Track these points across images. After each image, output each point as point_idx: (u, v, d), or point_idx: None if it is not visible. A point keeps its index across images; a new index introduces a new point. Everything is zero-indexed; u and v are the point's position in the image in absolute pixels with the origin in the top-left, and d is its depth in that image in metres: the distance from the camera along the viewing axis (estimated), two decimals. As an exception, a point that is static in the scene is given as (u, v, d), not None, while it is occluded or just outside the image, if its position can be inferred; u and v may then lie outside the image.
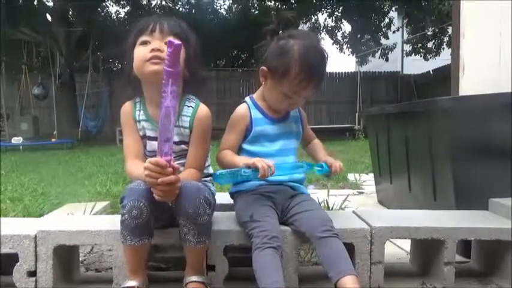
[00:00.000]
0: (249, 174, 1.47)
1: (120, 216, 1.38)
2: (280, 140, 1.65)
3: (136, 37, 1.51)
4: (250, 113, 1.65)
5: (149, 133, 1.55)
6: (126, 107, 1.60)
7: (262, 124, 1.64)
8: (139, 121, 1.57)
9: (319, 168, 1.63)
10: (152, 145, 1.54)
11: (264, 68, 1.61)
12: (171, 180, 1.30)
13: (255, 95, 1.71)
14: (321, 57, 1.59)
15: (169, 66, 1.28)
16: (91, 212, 2.49)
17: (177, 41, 1.27)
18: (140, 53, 1.48)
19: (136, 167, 1.46)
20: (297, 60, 1.53)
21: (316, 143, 1.85)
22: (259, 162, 1.44)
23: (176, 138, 1.53)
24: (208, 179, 1.67)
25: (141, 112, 1.57)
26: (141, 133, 1.57)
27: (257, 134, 1.63)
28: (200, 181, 1.54)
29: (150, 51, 1.46)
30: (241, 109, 1.66)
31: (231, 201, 1.76)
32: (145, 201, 1.34)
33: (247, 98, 1.70)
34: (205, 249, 1.48)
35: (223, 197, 1.92)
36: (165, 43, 1.45)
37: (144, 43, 1.49)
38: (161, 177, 1.28)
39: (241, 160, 1.54)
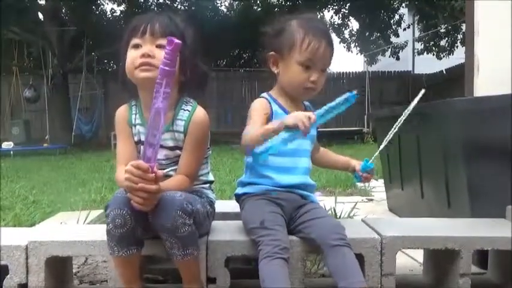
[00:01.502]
0: (292, 134, 1.39)
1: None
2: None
3: (129, 39, 1.51)
4: (271, 106, 1.64)
5: (144, 138, 1.55)
6: (121, 110, 1.61)
7: (281, 119, 1.63)
8: (134, 125, 1.57)
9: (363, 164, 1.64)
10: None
11: (271, 52, 1.64)
12: (151, 189, 1.28)
13: (271, 92, 1.71)
14: (322, 21, 1.67)
15: (166, 65, 1.27)
16: (85, 221, 2.50)
17: (176, 40, 1.26)
18: (131, 57, 1.49)
19: (122, 175, 1.46)
20: (298, 27, 1.60)
21: (327, 150, 1.88)
22: (296, 118, 1.37)
23: (170, 143, 1.53)
24: (207, 186, 1.67)
25: (137, 116, 1.58)
26: (136, 138, 1.57)
27: None
28: (193, 189, 1.55)
29: (140, 57, 1.46)
30: (262, 100, 1.65)
31: (232, 209, 1.76)
32: (128, 209, 1.33)
33: (264, 94, 1.70)
34: (195, 260, 1.46)
35: (224, 205, 1.92)
36: (157, 46, 1.47)
37: (136, 46, 1.49)
38: (142, 182, 1.27)
39: (272, 124, 1.47)
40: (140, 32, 1.49)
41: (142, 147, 1.50)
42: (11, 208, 3.37)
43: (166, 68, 1.27)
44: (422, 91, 1.57)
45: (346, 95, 1.41)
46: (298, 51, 1.58)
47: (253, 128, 1.53)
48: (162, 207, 1.33)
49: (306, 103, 1.76)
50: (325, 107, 1.42)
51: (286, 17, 1.67)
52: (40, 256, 1.53)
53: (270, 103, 1.64)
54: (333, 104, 1.42)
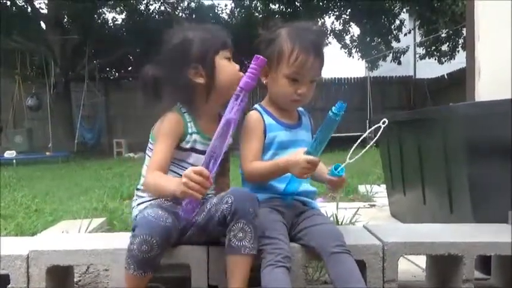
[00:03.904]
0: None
1: (125, 238, 1.40)
2: (292, 147, 1.64)
3: (218, 47, 1.57)
4: (263, 118, 1.65)
5: (199, 146, 1.59)
6: (177, 117, 1.58)
7: (275, 130, 1.64)
8: (191, 133, 1.58)
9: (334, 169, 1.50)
10: (199, 158, 1.54)
11: None
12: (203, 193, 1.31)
13: (263, 102, 1.72)
14: (313, 30, 1.63)
15: (250, 79, 1.33)
16: (87, 229, 2.49)
17: (262, 57, 1.34)
18: (233, 69, 1.59)
19: (161, 179, 1.46)
20: (287, 38, 1.58)
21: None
22: (299, 169, 1.45)
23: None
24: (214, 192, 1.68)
25: (192, 124, 1.59)
26: (188, 145, 1.58)
27: (270, 140, 1.63)
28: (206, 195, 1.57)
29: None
30: (254, 115, 1.66)
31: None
32: (158, 239, 1.35)
33: (256, 105, 1.71)
34: (251, 260, 1.44)
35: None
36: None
37: (229, 59, 1.60)
38: (198, 186, 1.29)
39: (280, 165, 1.53)
40: (230, 48, 1.60)
41: (199, 156, 1.54)
42: (13, 217, 3.37)
43: (250, 81, 1.33)
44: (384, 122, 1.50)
45: (330, 114, 1.42)
46: (286, 64, 1.57)
47: (251, 150, 1.59)
48: (245, 193, 1.45)
49: (300, 109, 1.76)
50: (316, 137, 1.46)
51: (278, 24, 1.66)
52: (41, 265, 1.53)
53: (262, 116, 1.64)
54: (322, 130, 1.45)
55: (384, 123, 1.46)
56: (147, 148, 1.65)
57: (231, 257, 1.43)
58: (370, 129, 1.48)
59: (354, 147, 1.48)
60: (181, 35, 1.59)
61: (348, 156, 1.48)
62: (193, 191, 1.29)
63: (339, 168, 1.49)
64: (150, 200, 1.57)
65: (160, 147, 1.55)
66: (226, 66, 1.57)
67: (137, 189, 1.66)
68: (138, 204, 1.61)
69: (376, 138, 1.46)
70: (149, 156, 1.61)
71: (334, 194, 1.62)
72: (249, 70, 1.33)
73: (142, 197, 1.61)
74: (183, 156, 1.58)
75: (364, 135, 1.49)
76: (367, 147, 1.50)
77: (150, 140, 1.63)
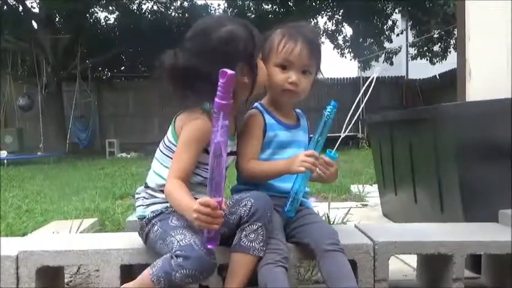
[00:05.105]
0: (302, 186, 1.54)
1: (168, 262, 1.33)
2: (290, 147, 1.65)
3: (260, 47, 1.56)
4: (264, 117, 1.65)
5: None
6: (208, 124, 1.43)
7: (275, 129, 1.64)
8: None
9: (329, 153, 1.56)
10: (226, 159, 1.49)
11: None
12: (217, 225, 1.28)
13: (263, 101, 1.71)
14: (303, 25, 1.68)
15: (222, 99, 1.23)
16: (78, 229, 2.48)
17: (229, 71, 1.23)
18: (265, 69, 1.59)
19: (181, 192, 1.40)
20: (279, 33, 1.63)
21: None
22: (300, 164, 1.47)
23: (235, 148, 1.62)
24: None
25: None
26: None
27: (270, 139, 1.63)
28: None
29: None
30: (255, 113, 1.66)
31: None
32: (205, 275, 1.33)
33: (256, 104, 1.71)
34: (255, 263, 1.42)
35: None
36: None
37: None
38: (210, 219, 1.25)
39: (280, 165, 1.56)
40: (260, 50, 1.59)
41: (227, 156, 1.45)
42: (4, 217, 3.35)
43: (223, 102, 1.24)
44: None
45: (325, 113, 1.49)
46: (275, 53, 1.60)
47: (249, 148, 1.60)
48: (262, 196, 1.45)
49: (298, 110, 1.77)
50: (315, 135, 1.52)
51: (279, 25, 1.67)
52: (31, 266, 1.51)
53: (262, 115, 1.65)
54: (319, 128, 1.51)
55: (371, 80, 1.59)
56: (163, 144, 1.56)
57: (236, 255, 1.42)
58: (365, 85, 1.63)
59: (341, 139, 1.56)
60: (225, 29, 1.47)
61: (336, 147, 1.56)
62: (207, 224, 1.26)
63: (332, 152, 1.55)
64: (165, 202, 1.50)
65: (185, 155, 1.47)
66: (262, 66, 1.57)
67: (146, 187, 1.57)
68: (150, 205, 1.53)
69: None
70: (163, 153, 1.55)
71: (329, 181, 1.63)
72: (218, 90, 1.24)
73: (155, 197, 1.53)
74: (208, 159, 1.47)
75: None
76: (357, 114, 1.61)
77: (171, 136, 1.54)
